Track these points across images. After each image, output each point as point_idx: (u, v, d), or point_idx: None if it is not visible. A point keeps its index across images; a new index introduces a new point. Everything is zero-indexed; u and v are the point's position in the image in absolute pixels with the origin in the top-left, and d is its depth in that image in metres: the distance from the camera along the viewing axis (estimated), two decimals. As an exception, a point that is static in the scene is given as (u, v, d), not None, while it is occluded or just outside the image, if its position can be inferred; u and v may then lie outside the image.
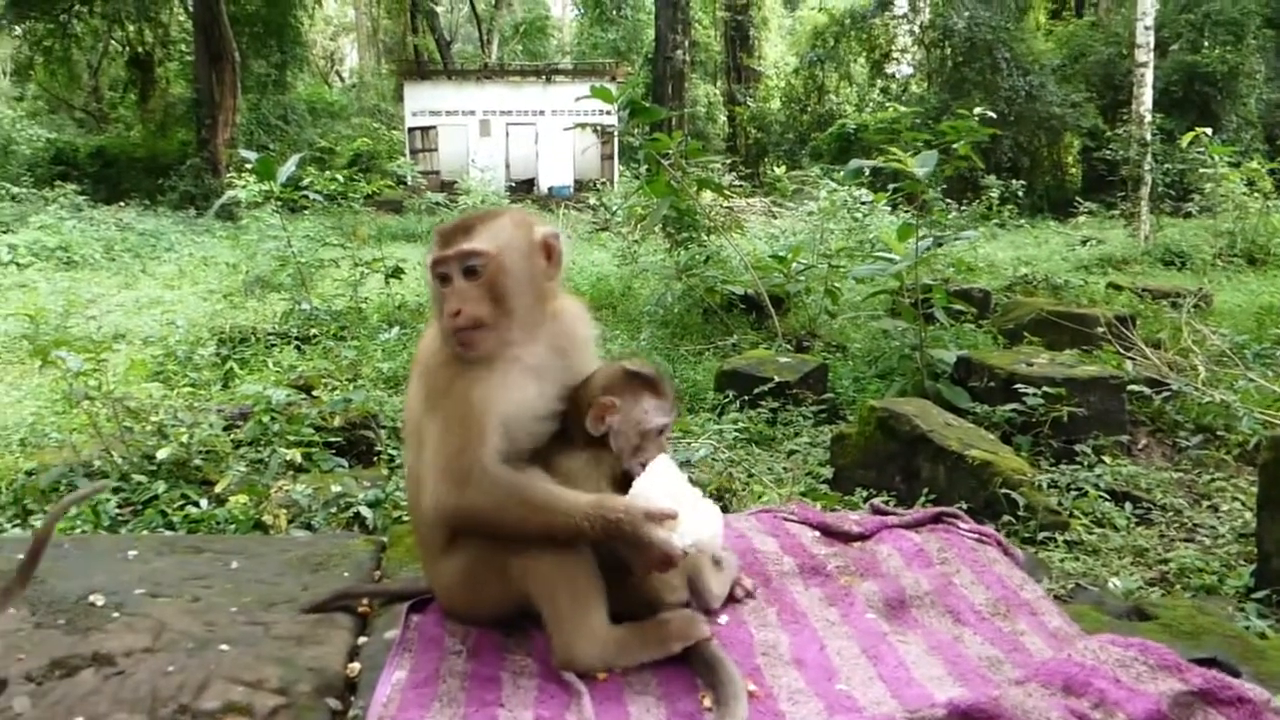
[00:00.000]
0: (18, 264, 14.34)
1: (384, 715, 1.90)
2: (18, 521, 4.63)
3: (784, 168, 24.33)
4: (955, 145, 7.06)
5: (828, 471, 5.32)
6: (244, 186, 11.47)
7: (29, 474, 5.08)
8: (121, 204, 20.43)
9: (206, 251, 16.14)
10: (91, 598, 2.47)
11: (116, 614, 2.39)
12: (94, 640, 2.23)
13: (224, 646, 2.17)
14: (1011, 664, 2.20)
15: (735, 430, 5.91)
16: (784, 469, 5.40)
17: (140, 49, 31.24)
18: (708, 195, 10.61)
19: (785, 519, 3.04)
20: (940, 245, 7.38)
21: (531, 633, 2.26)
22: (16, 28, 30.69)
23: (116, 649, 2.19)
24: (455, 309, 2.12)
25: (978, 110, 7.46)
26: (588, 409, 2.20)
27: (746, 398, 6.39)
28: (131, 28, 30.80)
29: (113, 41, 32.03)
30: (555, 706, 2.00)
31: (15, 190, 19.03)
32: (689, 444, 5.45)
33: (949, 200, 13.84)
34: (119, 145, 28.25)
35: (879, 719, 1.94)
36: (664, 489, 2.11)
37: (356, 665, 2.19)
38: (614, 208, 15.75)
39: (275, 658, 2.14)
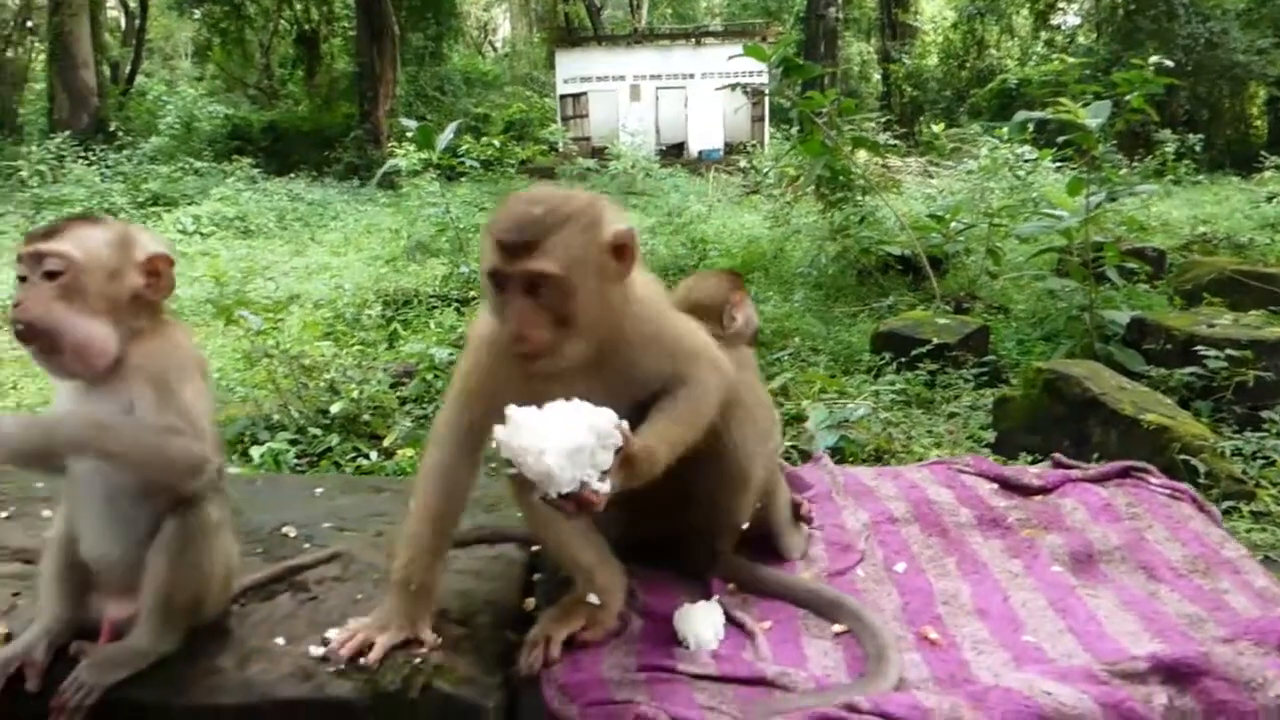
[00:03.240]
0: (201, 233, 15.25)
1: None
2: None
3: (941, 126, 23.46)
4: (1128, 97, 6.70)
5: (990, 435, 5.18)
6: (404, 155, 11.84)
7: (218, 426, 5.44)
8: (292, 175, 21.39)
9: (370, 219, 16.77)
10: (284, 529, 2.67)
11: (307, 545, 2.58)
12: (289, 568, 2.41)
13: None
14: (1215, 623, 2.09)
15: (892, 392, 5.81)
16: (945, 431, 5.28)
17: (307, 26, 32.54)
18: (862, 154, 10.40)
19: (960, 471, 2.97)
20: (1114, 199, 7.03)
21: (706, 573, 2.29)
22: (196, 11, 32.62)
23: (309, 577, 2.37)
24: (518, 332, 1.95)
25: (1153, 60, 7.02)
26: (716, 310, 2.44)
27: (903, 360, 6.28)
28: (299, 6, 32.13)
29: (282, 20, 33.46)
30: (731, 646, 2.02)
31: (198, 165, 20.21)
32: (845, 404, 5.38)
33: (1120, 156, 13.10)
34: (288, 119, 29.52)
35: (1073, 671, 1.85)
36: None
37: (531, 600, 2.28)
38: (765, 169, 15.58)
39: (456, 590, 2.24)
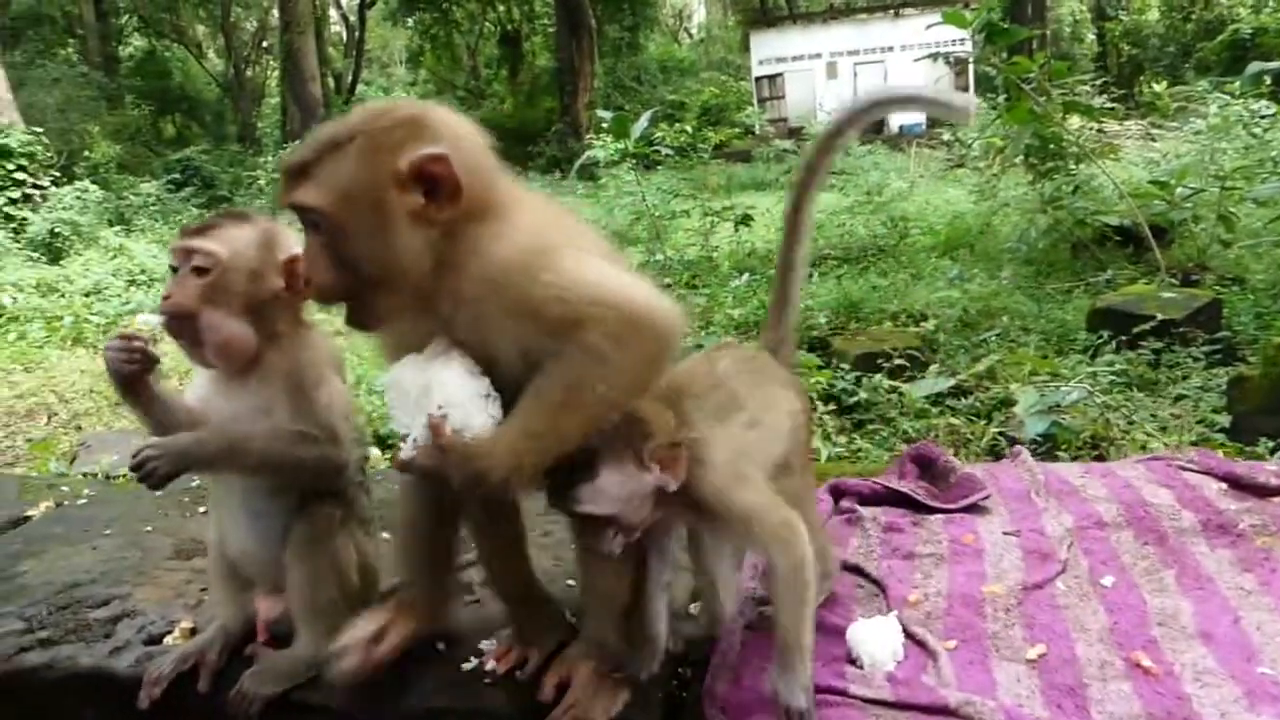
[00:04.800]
0: (415, 234, 16.03)
1: (726, 663, 1.86)
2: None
3: (1164, 84, 21.80)
4: (1388, 36, 5.97)
5: (1224, 419, 4.74)
6: (601, 146, 12.00)
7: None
8: (498, 172, 22.28)
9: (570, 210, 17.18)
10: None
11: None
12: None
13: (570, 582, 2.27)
14: None
15: (1111, 373, 5.41)
16: (1171, 415, 4.86)
17: (509, 27, 33.86)
18: (1075, 120, 9.80)
19: (1182, 468, 2.67)
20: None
21: (888, 587, 2.14)
22: (409, 20, 34.61)
23: (473, 578, 2.33)
24: (303, 273, 1.71)
25: None
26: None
27: (1124, 338, 5.89)
28: (502, 8, 33.43)
29: (486, 23, 34.94)
30: (910, 667, 1.86)
31: (414, 166, 21.33)
32: (1058, 388, 5.02)
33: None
34: (494, 118, 30.70)
35: None
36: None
37: (696, 605, 2.18)
38: (969, 141, 14.91)
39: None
